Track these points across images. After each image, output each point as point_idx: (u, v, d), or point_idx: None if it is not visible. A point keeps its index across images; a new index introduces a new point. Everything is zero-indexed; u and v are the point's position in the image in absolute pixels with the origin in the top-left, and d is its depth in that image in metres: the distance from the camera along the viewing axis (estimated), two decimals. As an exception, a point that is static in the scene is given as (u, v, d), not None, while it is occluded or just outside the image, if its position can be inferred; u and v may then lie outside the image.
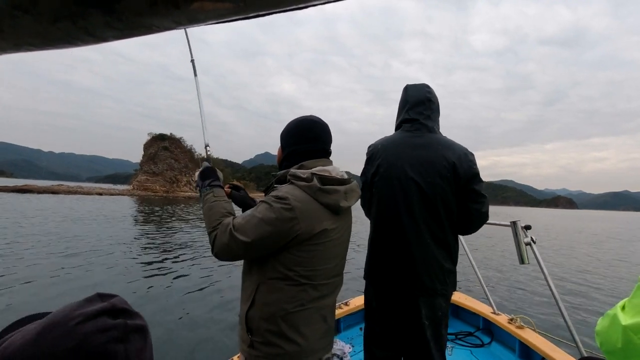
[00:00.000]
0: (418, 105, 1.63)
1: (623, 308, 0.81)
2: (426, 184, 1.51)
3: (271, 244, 1.04)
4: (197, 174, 1.34)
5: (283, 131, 1.26)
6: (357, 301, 2.87)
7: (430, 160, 1.54)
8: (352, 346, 2.51)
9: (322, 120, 1.25)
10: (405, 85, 1.72)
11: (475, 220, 1.58)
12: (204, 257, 9.01)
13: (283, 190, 1.08)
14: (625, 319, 0.77)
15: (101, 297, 0.42)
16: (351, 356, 2.40)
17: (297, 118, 1.26)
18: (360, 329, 2.82)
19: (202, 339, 4.19)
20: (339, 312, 2.70)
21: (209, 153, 1.52)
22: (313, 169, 1.13)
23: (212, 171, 1.31)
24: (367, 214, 1.73)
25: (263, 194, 1.22)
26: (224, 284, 6.60)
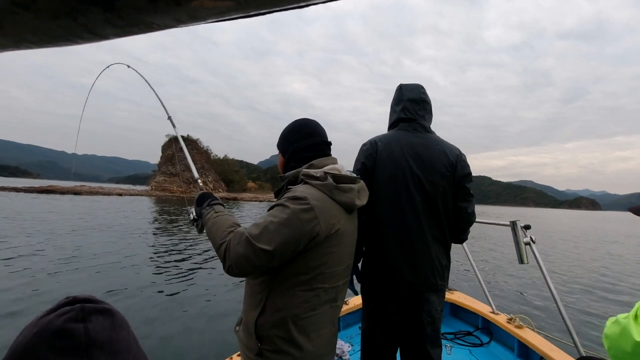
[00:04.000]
0: (413, 105, 1.60)
1: (636, 318, 0.78)
2: (428, 183, 1.50)
3: (293, 248, 0.95)
4: (192, 209, 1.26)
5: (279, 139, 1.22)
6: (357, 300, 2.82)
7: (431, 160, 1.52)
8: (352, 345, 2.46)
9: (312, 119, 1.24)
10: (399, 84, 1.68)
11: (464, 218, 1.56)
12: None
13: (299, 190, 1.01)
14: (639, 334, 0.75)
15: (73, 297, 0.45)
16: (350, 355, 2.35)
17: (288, 124, 1.23)
18: (359, 328, 2.78)
19: (201, 340, 4.13)
20: None
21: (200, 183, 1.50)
22: (324, 168, 1.08)
23: (207, 194, 1.24)
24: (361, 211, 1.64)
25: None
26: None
